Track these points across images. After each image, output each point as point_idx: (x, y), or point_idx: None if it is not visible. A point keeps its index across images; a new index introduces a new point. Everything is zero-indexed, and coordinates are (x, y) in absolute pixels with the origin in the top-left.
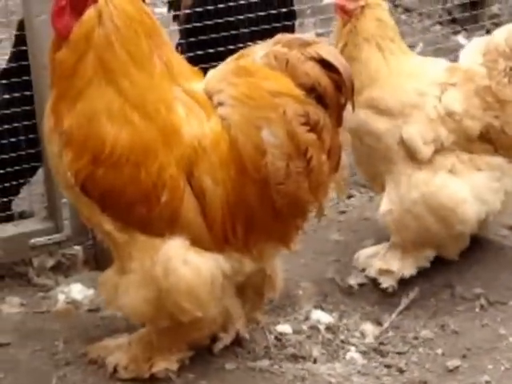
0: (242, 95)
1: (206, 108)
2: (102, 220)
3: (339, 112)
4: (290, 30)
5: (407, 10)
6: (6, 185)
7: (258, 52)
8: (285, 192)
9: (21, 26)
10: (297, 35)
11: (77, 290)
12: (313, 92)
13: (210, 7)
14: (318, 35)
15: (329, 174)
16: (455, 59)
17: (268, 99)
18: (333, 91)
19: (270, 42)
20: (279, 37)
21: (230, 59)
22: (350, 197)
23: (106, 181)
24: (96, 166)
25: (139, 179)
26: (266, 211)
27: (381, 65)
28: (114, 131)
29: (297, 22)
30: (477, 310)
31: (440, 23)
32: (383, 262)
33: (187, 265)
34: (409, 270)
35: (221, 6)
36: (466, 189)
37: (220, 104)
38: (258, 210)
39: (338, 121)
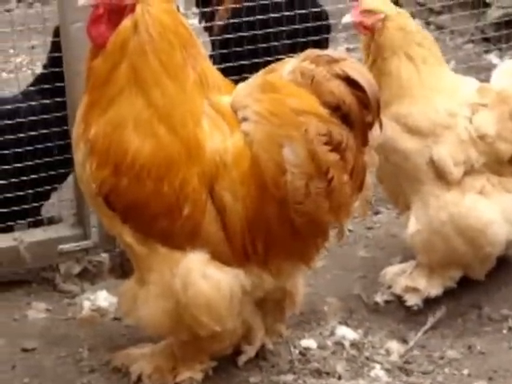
0: (266, 111)
1: (231, 122)
2: (123, 231)
3: (365, 131)
4: (324, 43)
5: (439, 28)
6: (37, 190)
7: (287, 67)
8: (303, 211)
9: (56, 32)
10: (325, 51)
11: (102, 298)
12: (338, 111)
13: (246, 19)
14: (349, 50)
15: (351, 194)
16: (487, 78)
17: (291, 117)
18: (358, 110)
19: (299, 57)
20: (308, 52)
21: (259, 73)
22: (377, 213)
23: (130, 193)
24: (119, 177)
25: (162, 192)
26: (285, 229)
27: (412, 75)
28: (138, 142)
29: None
30: (504, 331)
31: (472, 41)
32: (410, 280)
33: (206, 279)
34: (435, 290)
35: (257, 18)
36: (495, 210)
37: (244, 119)
38: (277, 228)
39: (364, 140)
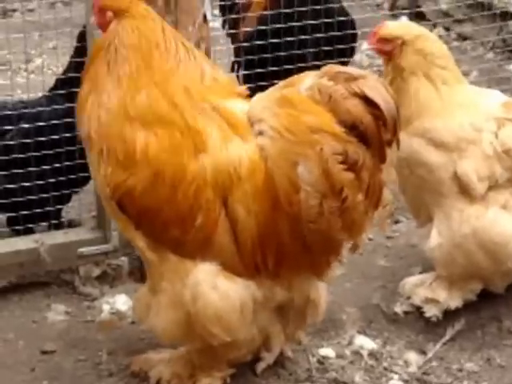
0: (282, 127)
1: (244, 132)
2: (136, 236)
3: (382, 149)
4: (351, 52)
5: (462, 37)
6: (58, 193)
7: (305, 82)
8: (316, 229)
9: (81, 37)
10: (345, 68)
11: (121, 301)
12: (354, 130)
13: (274, 26)
14: (369, 57)
15: (365, 212)
16: (509, 89)
17: (307, 134)
18: (375, 129)
19: (317, 72)
20: (327, 68)
21: (276, 86)
22: (396, 222)
23: (143, 199)
24: (133, 182)
25: (176, 200)
26: (296, 245)
27: (431, 95)
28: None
29: None
30: None
31: (494, 52)
32: (429, 291)
33: (216, 290)
34: (455, 302)
35: (284, 25)
36: None
37: (260, 133)
38: (288, 244)
39: (381, 158)
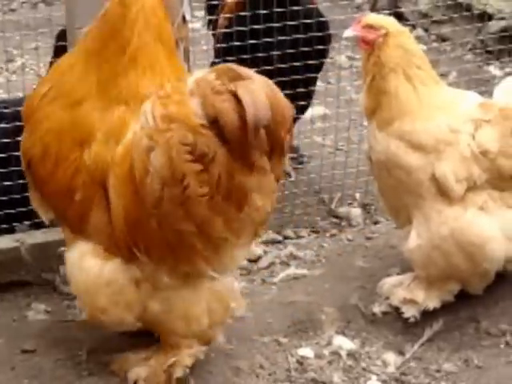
0: (150, 115)
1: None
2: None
3: (244, 152)
4: (325, 53)
5: (441, 39)
6: None
7: (196, 75)
8: (158, 215)
9: (60, 36)
10: (238, 67)
11: None
12: (215, 124)
13: (245, 28)
14: (350, 59)
15: (213, 208)
16: (488, 90)
17: (165, 123)
18: (235, 129)
19: (214, 68)
20: (222, 65)
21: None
22: (376, 223)
23: (37, 168)
24: (33, 149)
25: (57, 176)
26: (157, 232)
27: (411, 95)
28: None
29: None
30: (502, 346)
31: (474, 53)
32: (407, 292)
33: (81, 267)
34: (433, 303)
35: (257, 27)
36: (495, 226)
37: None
38: (152, 229)
39: (245, 161)
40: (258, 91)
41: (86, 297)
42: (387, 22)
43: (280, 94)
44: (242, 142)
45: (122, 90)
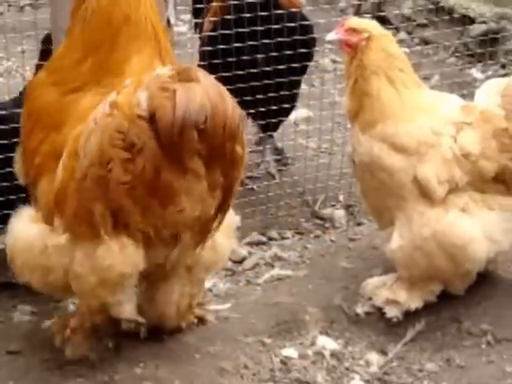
0: (108, 100)
1: None
2: None
3: (174, 150)
4: (309, 56)
5: (424, 42)
6: (25, 194)
7: (157, 71)
8: (78, 190)
9: (46, 40)
10: (193, 68)
11: None
12: (153, 119)
13: (230, 32)
14: (334, 62)
15: (134, 198)
16: (470, 93)
17: (110, 108)
18: (166, 125)
19: (174, 67)
20: (182, 66)
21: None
22: (359, 224)
23: (23, 123)
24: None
25: (26, 140)
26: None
27: (393, 98)
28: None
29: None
30: (483, 346)
31: (456, 56)
32: (390, 292)
33: (14, 231)
34: (415, 303)
35: (242, 30)
36: (476, 228)
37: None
38: (71, 201)
39: (176, 161)
40: (198, 94)
41: (14, 257)
42: (370, 25)
43: (228, 103)
44: (170, 140)
45: (112, 82)
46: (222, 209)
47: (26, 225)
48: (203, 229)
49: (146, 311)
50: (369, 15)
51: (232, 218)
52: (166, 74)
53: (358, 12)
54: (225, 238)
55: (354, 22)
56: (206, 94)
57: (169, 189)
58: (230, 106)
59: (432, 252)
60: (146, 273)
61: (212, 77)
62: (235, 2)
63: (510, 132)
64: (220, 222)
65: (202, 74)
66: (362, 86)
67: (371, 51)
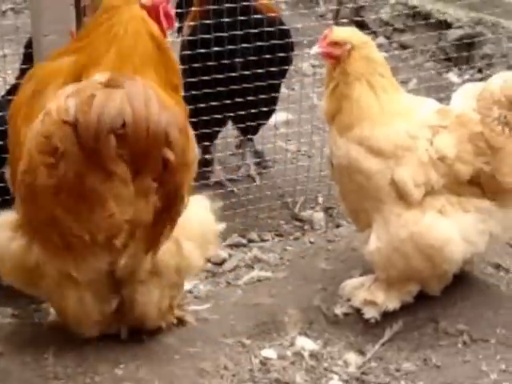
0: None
1: None
2: None
3: (94, 155)
4: (288, 61)
5: (402, 46)
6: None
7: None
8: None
9: (28, 44)
10: (128, 77)
11: None
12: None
13: (209, 36)
14: (314, 66)
15: (61, 203)
16: (447, 96)
17: (42, 114)
18: (84, 130)
19: (110, 73)
20: (117, 73)
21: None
22: (338, 226)
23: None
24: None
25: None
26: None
27: (372, 102)
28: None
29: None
30: (459, 345)
31: (434, 60)
32: (368, 294)
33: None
34: (393, 304)
35: (221, 34)
36: (453, 229)
37: None
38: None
39: (97, 164)
40: (117, 99)
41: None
42: (351, 35)
43: (153, 109)
44: (88, 144)
45: None
46: (168, 215)
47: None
48: (149, 235)
49: (127, 312)
50: (347, 20)
51: (207, 226)
52: (97, 81)
53: (337, 17)
54: (194, 244)
55: (335, 35)
56: (128, 100)
57: (94, 193)
58: (154, 111)
59: (409, 253)
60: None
61: (143, 84)
62: (214, 7)
63: (485, 136)
64: (169, 229)
65: (130, 81)
66: (344, 90)
67: (354, 60)
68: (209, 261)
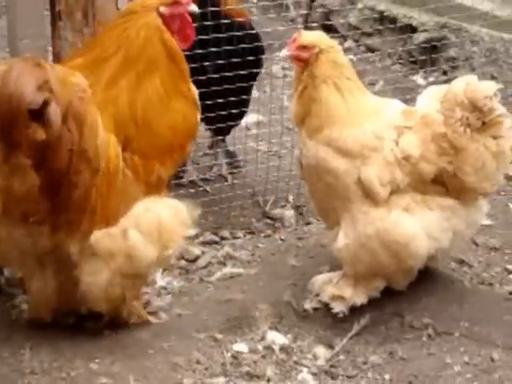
0: None
1: None
2: None
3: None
4: (258, 64)
5: (370, 49)
6: None
7: None
8: None
9: None
10: (25, 60)
11: None
12: None
13: None
14: (284, 69)
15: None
16: (412, 98)
17: None
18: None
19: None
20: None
21: None
22: (308, 224)
23: None
24: None
25: None
26: None
27: (339, 104)
28: None
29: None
30: (424, 338)
31: (400, 63)
32: (336, 288)
33: None
34: (360, 299)
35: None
36: (417, 226)
37: None
38: None
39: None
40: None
41: None
42: (319, 39)
43: (22, 87)
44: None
45: None
46: (60, 198)
47: None
48: (51, 217)
49: (70, 291)
50: (317, 24)
51: (167, 227)
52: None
53: (307, 21)
54: (145, 238)
55: (303, 39)
56: (3, 76)
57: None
58: (21, 88)
59: (376, 249)
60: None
61: (33, 65)
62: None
63: (448, 136)
64: (76, 213)
65: (20, 62)
66: (312, 93)
67: (321, 63)
68: (182, 258)
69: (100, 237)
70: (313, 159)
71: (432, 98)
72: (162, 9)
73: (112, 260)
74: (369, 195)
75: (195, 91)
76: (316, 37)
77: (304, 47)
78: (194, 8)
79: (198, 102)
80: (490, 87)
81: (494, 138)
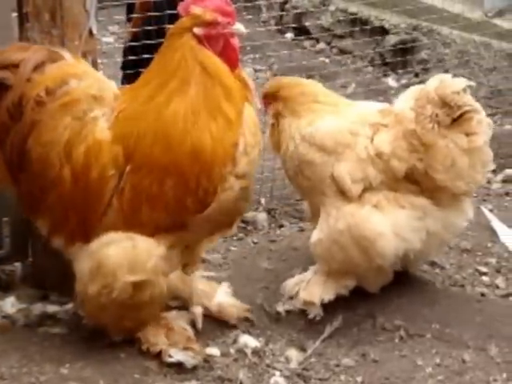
0: None
1: None
2: None
3: None
4: None
5: (342, 52)
6: None
7: None
8: None
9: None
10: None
11: (10, 304)
12: None
13: (151, 42)
14: (257, 71)
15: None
16: (385, 100)
17: None
18: None
19: None
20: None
21: None
22: (280, 227)
23: None
24: None
25: None
26: None
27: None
28: None
29: None
30: (396, 340)
31: (372, 65)
32: (307, 294)
33: None
34: (328, 295)
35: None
36: (386, 224)
37: None
38: None
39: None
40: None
41: None
42: (282, 86)
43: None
44: None
45: None
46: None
47: None
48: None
49: None
50: (290, 25)
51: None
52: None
53: (280, 23)
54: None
55: (267, 92)
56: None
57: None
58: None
59: (346, 245)
60: None
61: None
62: (155, 14)
63: (418, 133)
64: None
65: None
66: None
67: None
68: None
69: None
70: (295, 157)
71: (409, 96)
72: (196, 30)
73: None
74: (341, 191)
75: (246, 113)
76: (277, 86)
77: (271, 97)
78: (239, 27)
79: (249, 125)
80: (458, 83)
81: (467, 134)
